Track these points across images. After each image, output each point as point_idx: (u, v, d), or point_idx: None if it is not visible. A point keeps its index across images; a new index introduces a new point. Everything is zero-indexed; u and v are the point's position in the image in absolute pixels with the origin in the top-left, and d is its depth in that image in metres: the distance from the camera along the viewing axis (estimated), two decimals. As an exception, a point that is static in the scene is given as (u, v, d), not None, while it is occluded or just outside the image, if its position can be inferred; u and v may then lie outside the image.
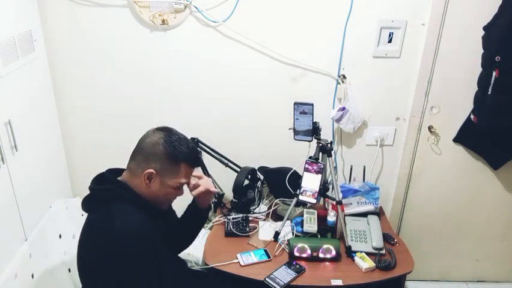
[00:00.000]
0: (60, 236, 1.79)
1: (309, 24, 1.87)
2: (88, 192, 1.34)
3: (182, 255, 1.66)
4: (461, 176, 2.17)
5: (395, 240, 1.86)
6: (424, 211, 2.26)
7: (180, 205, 1.58)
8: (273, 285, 1.58)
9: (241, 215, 1.94)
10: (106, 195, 1.30)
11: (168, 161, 1.30)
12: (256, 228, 1.91)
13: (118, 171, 1.37)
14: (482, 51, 1.85)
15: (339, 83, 1.98)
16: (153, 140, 1.30)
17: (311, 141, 1.76)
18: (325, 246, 1.72)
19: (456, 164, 2.14)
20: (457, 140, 2.08)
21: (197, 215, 1.57)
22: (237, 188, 1.91)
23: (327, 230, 1.84)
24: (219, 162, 1.99)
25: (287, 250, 1.77)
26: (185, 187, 1.40)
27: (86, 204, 1.33)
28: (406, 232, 2.30)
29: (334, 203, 1.80)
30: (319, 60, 1.94)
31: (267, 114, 2.04)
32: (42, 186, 1.80)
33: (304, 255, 1.72)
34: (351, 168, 2.13)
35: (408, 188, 2.21)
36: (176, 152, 1.30)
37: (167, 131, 1.33)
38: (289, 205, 1.84)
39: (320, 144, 1.75)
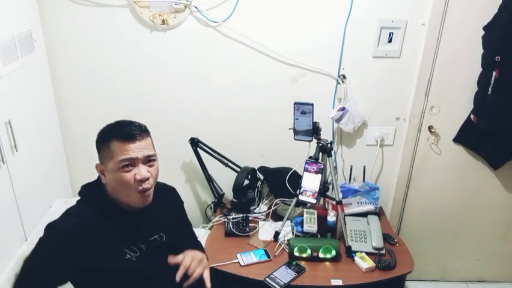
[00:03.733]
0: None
1: (309, 24, 1.87)
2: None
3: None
4: (461, 176, 2.17)
5: (395, 240, 1.86)
6: (424, 211, 2.26)
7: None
8: (273, 285, 1.58)
9: (241, 215, 1.94)
10: (83, 194, 1.36)
11: (100, 145, 1.29)
12: (256, 228, 1.91)
13: None
14: (482, 51, 1.85)
15: (339, 83, 1.98)
16: None
17: (311, 141, 1.76)
18: (325, 246, 1.72)
19: (456, 164, 2.14)
20: (457, 140, 2.08)
21: None
22: (237, 188, 1.91)
23: (327, 230, 1.84)
24: (219, 162, 1.99)
25: (287, 250, 1.77)
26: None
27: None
28: (406, 232, 2.30)
29: (334, 203, 1.80)
30: (319, 60, 1.94)
31: (267, 114, 2.04)
32: (42, 186, 1.80)
33: (304, 255, 1.72)
34: (351, 168, 2.13)
35: (408, 188, 2.21)
36: (104, 132, 1.30)
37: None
38: (289, 205, 1.84)
39: (320, 144, 1.75)
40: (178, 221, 1.54)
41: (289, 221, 1.92)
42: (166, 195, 1.52)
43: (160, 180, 1.41)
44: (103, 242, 1.27)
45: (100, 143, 1.29)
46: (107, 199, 1.32)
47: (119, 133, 1.26)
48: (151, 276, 1.35)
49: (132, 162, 1.26)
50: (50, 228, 1.26)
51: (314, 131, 1.74)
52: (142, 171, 1.26)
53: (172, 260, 1.39)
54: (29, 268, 1.29)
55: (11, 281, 1.45)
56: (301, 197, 1.74)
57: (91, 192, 1.34)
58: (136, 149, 1.26)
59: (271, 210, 1.99)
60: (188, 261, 1.38)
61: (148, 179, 1.28)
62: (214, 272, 1.66)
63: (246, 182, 1.99)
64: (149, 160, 1.30)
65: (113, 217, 1.30)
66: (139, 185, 1.27)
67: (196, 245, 1.55)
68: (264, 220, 1.98)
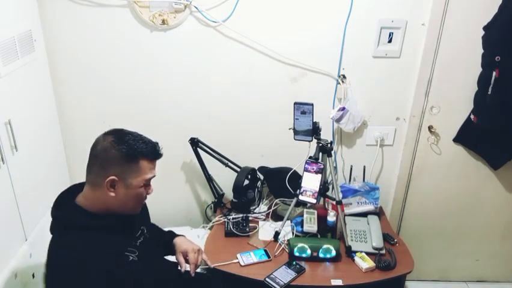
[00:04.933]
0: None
1: (309, 24, 1.87)
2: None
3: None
4: (461, 176, 2.17)
5: (395, 240, 1.86)
6: (424, 211, 2.26)
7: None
8: (273, 285, 1.58)
9: (241, 215, 1.94)
10: (60, 220, 1.26)
11: (126, 161, 1.24)
12: (256, 228, 1.91)
13: (80, 187, 1.31)
14: (482, 51, 1.85)
15: (339, 83, 1.98)
16: (104, 146, 1.24)
17: (311, 141, 1.76)
18: (325, 246, 1.72)
19: (456, 164, 2.14)
20: (457, 140, 2.08)
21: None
22: (237, 188, 1.91)
23: (327, 230, 1.84)
24: (219, 162, 1.99)
25: (287, 250, 1.77)
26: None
27: (51, 227, 1.29)
28: (406, 232, 2.30)
29: (334, 203, 1.80)
30: (319, 60, 1.94)
31: (267, 114, 2.04)
32: (42, 186, 1.80)
33: (304, 255, 1.72)
34: (351, 168, 2.13)
35: (408, 188, 2.21)
36: (131, 150, 1.24)
37: (116, 133, 1.28)
38: (289, 205, 1.84)
39: (320, 144, 1.75)
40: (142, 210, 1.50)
41: (289, 221, 1.92)
42: None
43: (160, 180, 1.43)
44: (110, 254, 1.23)
45: (126, 159, 1.24)
46: (93, 214, 1.26)
47: (149, 153, 1.28)
48: (156, 270, 1.37)
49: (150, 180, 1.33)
50: (64, 272, 1.18)
51: (314, 131, 1.73)
52: (152, 187, 1.34)
53: (181, 260, 1.50)
54: None
55: (11, 280, 1.45)
56: (301, 197, 1.74)
57: (74, 216, 1.25)
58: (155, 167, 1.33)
59: (271, 210, 1.99)
60: (193, 256, 1.51)
61: None
62: (214, 272, 1.67)
63: (246, 182, 1.99)
64: None
65: (106, 228, 1.26)
66: (145, 198, 1.35)
67: (171, 232, 1.64)
68: (264, 220, 1.98)
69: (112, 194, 1.25)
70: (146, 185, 1.30)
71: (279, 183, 1.91)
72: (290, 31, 1.88)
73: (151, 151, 1.28)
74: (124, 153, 1.23)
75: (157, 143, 1.33)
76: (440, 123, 2.06)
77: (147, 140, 1.30)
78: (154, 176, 1.31)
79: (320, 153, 1.76)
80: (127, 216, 1.33)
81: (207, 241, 1.83)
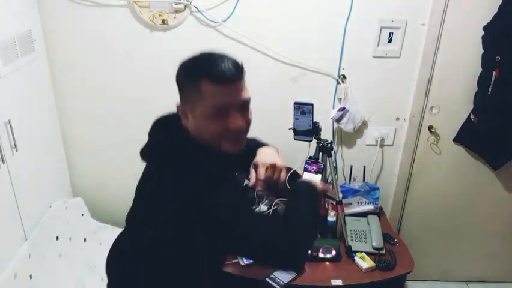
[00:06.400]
0: (57, 238, 1.79)
1: (309, 24, 1.87)
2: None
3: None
4: (461, 176, 2.17)
5: (395, 240, 1.86)
6: (424, 211, 2.26)
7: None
8: (273, 285, 1.58)
9: (241, 215, 1.94)
10: (173, 151, 1.05)
11: (187, 82, 1.03)
12: (256, 228, 1.91)
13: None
14: (482, 51, 1.85)
15: (339, 83, 1.98)
16: (179, 66, 1.06)
17: (311, 141, 1.76)
18: (325, 246, 1.72)
19: (456, 164, 2.14)
20: (457, 140, 2.08)
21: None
22: (237, 188, 1.90)
23: (327, 230, 1.84)
24: (219, 162, 1.99)
25: (287, 250, 1.77)
26: None
27: (152, 156, 1.11)
28: (406, 232, 2.30)
29: (334, 203, 1.80)
30: (319, 60, 1.94)
31: (266, 114, 2.04)
32: (42, 186, 1.80)
33: (304, 255, 1.72)
34: (351, 168, 2.13)
35: (408, 188, 2.21)
36: (192, 68, 1.02)
37: (197, 53, 1.04)
38: (289, 205, 1.84)
39: (320, 144, 1.75)
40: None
41: (289, 221, 1.91)
42: None
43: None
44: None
45: (184, 79, 1.03)
46: (201, 146, 1.05)
47: (213, 72, 0.99)
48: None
49: (225, 110, 1.01)
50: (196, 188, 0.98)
51: (314, 131, 1.73)
52: (237, 120, 1.02)
53: (251, 174, 1.24)
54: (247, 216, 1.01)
55: (11, 281, 1.45)
56: (301, 197, 1.73)
57: (185, 149, 1.05)
58: (232, 93, 1.01)
59: (271, 210, 1.99)
60: (261, 171, 1.21)
61: (245, 129, 1.06)
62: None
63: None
64: (244, 106, 1.05)
65: (218, 158, 1.05)
66: (232, 135, 1.03)
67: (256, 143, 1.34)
68: (264, 220, 1.98)
69: (186, 123, 1.07)
70: (217, 114, 1.00)
71: (279, 183, 1.90)
72: (290, 31, 1.88)
73: (216, 70, 0.99)
74: (184, 72, 1.03)
75: (233, 61, 1.04)
76: (440, 123, 2.06)
77: (218, 56, 1.02)
78: (224, 105, 1.00)
79: (320, 153, 1.75)
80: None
81: (207, 241, 1.83)
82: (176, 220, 1.00)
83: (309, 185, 1.21)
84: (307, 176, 1.59)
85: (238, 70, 1.03)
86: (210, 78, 0.98)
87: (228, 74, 0.99)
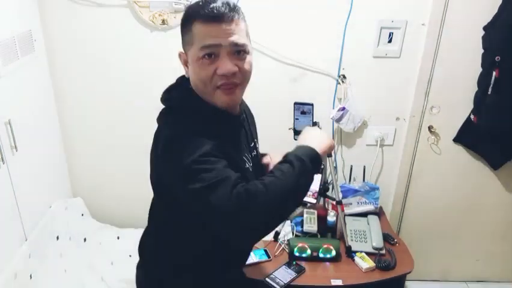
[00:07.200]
0: (57, 238, 1.79)
1: (309, 24, 1.87)
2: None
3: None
4: (461, 176, 2.17)
5: (395, 240, 1.86)
6: (424, 211, 2.26)
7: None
8: (273, 285, 1.58)
9: (241, 215, 1.94)
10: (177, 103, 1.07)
11: (183, 28, 1.01)
12: (256, 228, 1.91)
13: None
14: (482, 51, 1.85)
15: (339, 83, 1.98)
16: None
17: (311, 141, 1.75)
18: (325, 246, 1.72)
19: (456, 164, 2.14)
20: (457, 140, 2.08)
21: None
22: (237, 188, 1.90)
23: (327, 230, 1.84)
24: (219, 162, 1.98)
25: (287, 250, 1.77)
26: None
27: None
28: (406, 232, 2.30)
29: (334, 203, 1.80)
30: (319, 60, 1.94)
31: (267, 114, 2.03)
32: (42, 186, 1.80)
33: (304, 255, 1.72)
34: (351, 168, 2.13)
35: (408, 188, 2.21)
36: (186, 13, 1.00)
37: None
38: (289, 205, 1.84)
39: (320, 144, 1.75)
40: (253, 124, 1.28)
41: (289, 221, 1.92)
42: (244, 104, 1.27)
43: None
44: (228, 151, 0.99)
45: (182, 25, 1.01)
46: (201, 101, 1.03)
47: (201, 12, 0.96)
48: None
49: (215, 51, 0.97)
50: (173, 133, 0.97)
51: (314, 131, 1.73)
52: (226, 64, 0.97)
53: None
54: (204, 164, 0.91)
55: (11, 281, 1.45)
56: (301, 197, 1.73)
57: (184, 98, 1.05)
58: (221, 33, 0.96)
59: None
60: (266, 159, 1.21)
61: (234, 74, 0.99)
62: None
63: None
64: (238, 51, 0.99)
65: (219, 122, 1.03)
66: (220, 79, 0.99)
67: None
68: (264, 220, 1.98)
69: (187, 75, 1.06)
70: (206, 57, 0.97)
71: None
72: (290, 31, 1.88)
73: (206, 9, 0.95)
74: (181, 19, 1.02)
75: (227, 1, 0.98)
76: (440, 123, 2.06)
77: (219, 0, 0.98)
78: (211, 45, 0.96)
79: (320, 153, 1.75)
80: (240, 119, 1.11)
81: (207, 241, 1.83)
82: (158, 167, 1.00)
83: (306, 151, 1.08)
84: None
85: (230, 10, 0.97)
86: (201, 18, 0.96)
87: (217, 13, 0.95)
